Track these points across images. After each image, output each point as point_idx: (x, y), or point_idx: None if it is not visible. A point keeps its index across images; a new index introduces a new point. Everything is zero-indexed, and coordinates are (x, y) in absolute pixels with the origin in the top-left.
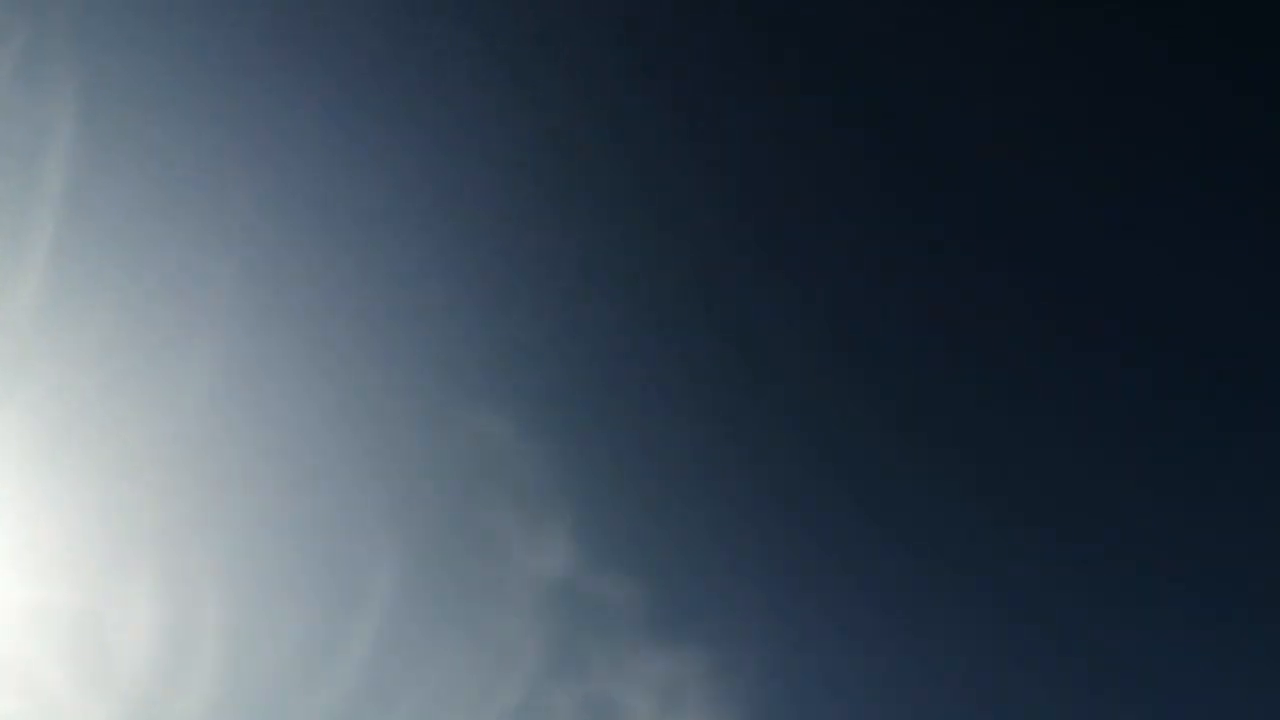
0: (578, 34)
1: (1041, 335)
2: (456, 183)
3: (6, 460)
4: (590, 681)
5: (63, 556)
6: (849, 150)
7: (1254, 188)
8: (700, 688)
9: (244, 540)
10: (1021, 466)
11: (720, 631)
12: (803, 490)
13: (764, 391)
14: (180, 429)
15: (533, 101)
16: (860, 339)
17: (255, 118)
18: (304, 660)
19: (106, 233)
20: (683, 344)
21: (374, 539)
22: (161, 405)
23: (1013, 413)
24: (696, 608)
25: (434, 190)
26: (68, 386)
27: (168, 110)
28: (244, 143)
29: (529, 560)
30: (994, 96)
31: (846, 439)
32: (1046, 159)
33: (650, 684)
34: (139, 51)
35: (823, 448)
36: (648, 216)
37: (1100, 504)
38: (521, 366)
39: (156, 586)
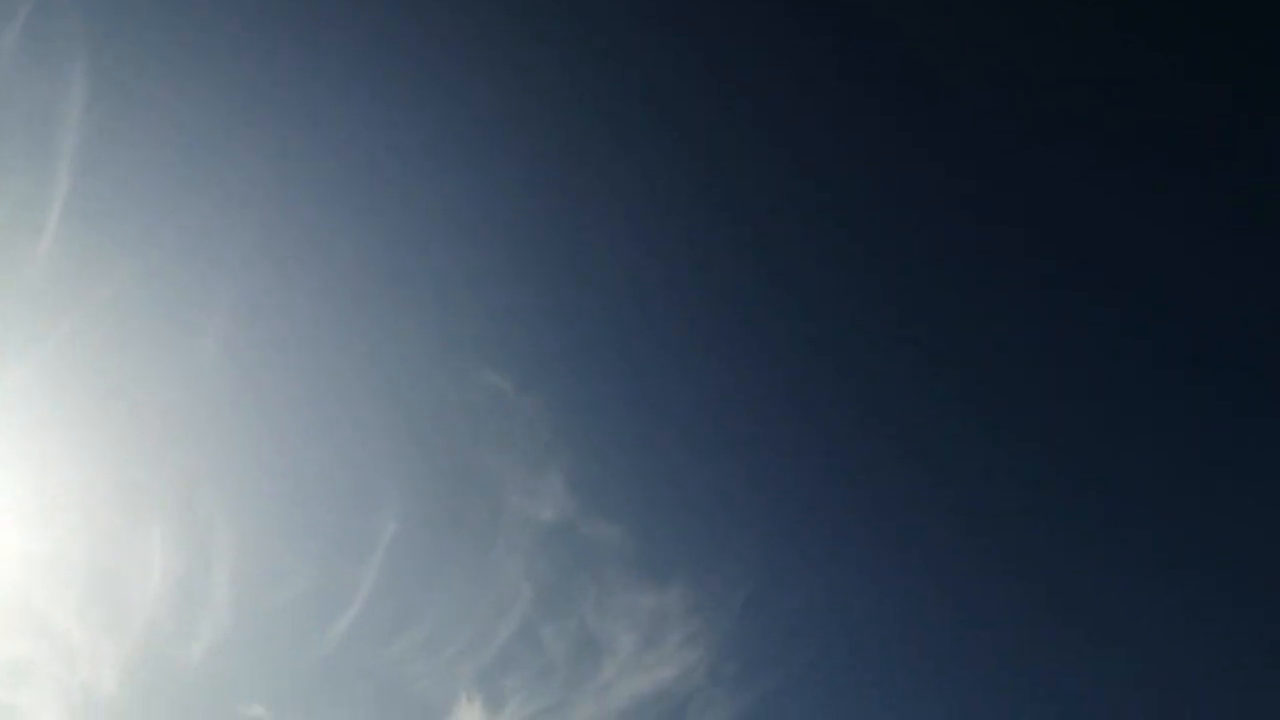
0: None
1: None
2: (464, 159)
3: (23, 415)
4: (579, 618)
5: (77, 507)
6: (845, 139)
7: (1256, 186)
8: (681, 624)
9: (253, 489)
10: (1013, 420)
11: (701, 573)
12: (780, 441)
13: (747, 350)
14: (191, 383)
15: (533, 84)
16: (844, 312)
17: (264, 91)
18: (311, 602)
19: (120, 194)
20: (670, 310)
21: (378, 487)
22: (173, 361)
23: (1006, 374)
24: (680, 550)
25: (444, 165)
26: (82, 343)
27: (177, 82)
28: (253, 115)
29: (524, 506)
30: (1009, 93)
31: (824, 394)
32: (1057, 151)
33: (635, 620)
34: (147, 24)
35: (801, 403)
36: (639, 192)
37: (1079, 441)
38: (521, 325)
39: (168, 535)
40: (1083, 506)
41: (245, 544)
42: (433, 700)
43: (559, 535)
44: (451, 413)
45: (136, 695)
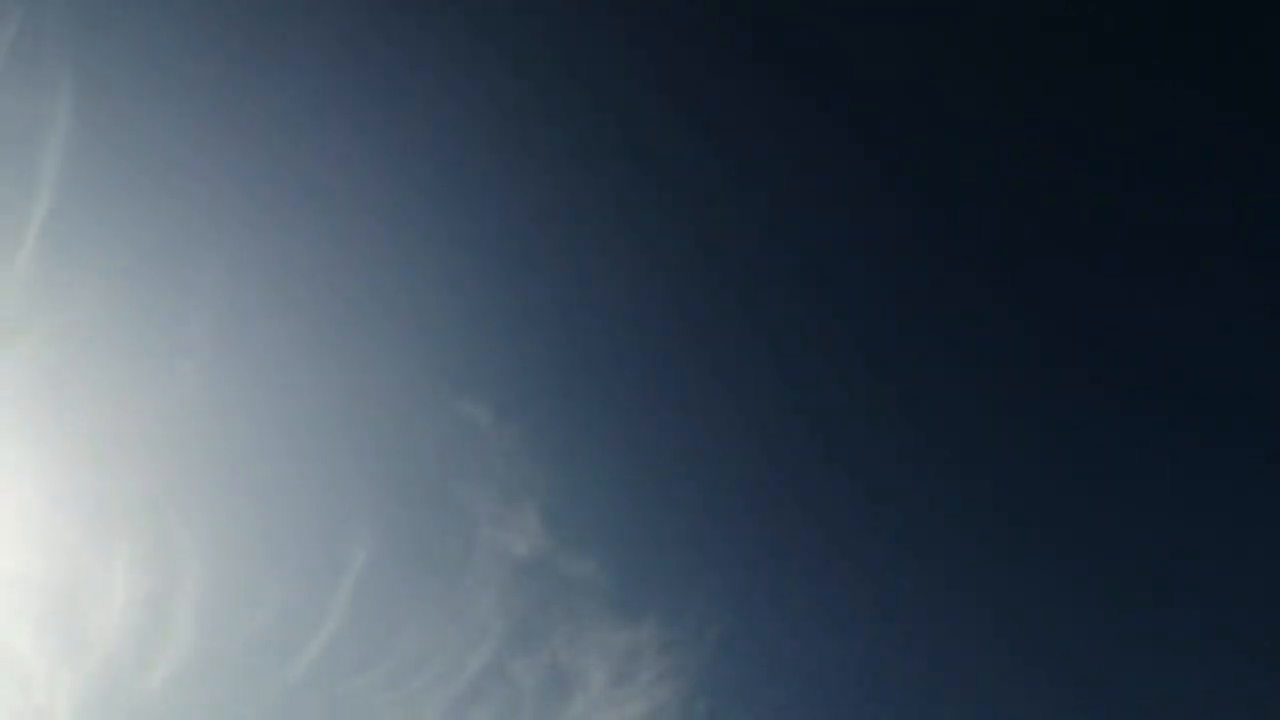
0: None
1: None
2: (442, 183)
3: None
4: (550, 653)
5: (39, 527)
6: (846, 155)
7: (1246, 201)
8: (654, 661)
9: (221, 515)
10: (971, 459)
11: (675, 610)
12: (756, 482)
13: (720, 393)
14: (162, 404)
15: (515, 103)
16: (818, 344)
17: (249, 104)
18: (278, 631)
19: (99, 215)
20: (646, 348)
21: (349, 515)
22: (145, 382)
23: (983, 411)
24: (651, 587)
25: (422, 189)
26: (54, 359)
27: (163, 93)
28: (237, 128)
29: (497, 538)
30: (1009, 117)
31: (797, 438)
32: (1054, 174)
33: (607, 656)
34: (134, 35)
35: (775, 446)
36: (623, 220)
37: (1050, 480)
38: (500, 354)
39: (132, 558)
40: (1065, 552)
41: (211, 570)
42: None
43: (532, 569)
44: (426, 441)
45: None
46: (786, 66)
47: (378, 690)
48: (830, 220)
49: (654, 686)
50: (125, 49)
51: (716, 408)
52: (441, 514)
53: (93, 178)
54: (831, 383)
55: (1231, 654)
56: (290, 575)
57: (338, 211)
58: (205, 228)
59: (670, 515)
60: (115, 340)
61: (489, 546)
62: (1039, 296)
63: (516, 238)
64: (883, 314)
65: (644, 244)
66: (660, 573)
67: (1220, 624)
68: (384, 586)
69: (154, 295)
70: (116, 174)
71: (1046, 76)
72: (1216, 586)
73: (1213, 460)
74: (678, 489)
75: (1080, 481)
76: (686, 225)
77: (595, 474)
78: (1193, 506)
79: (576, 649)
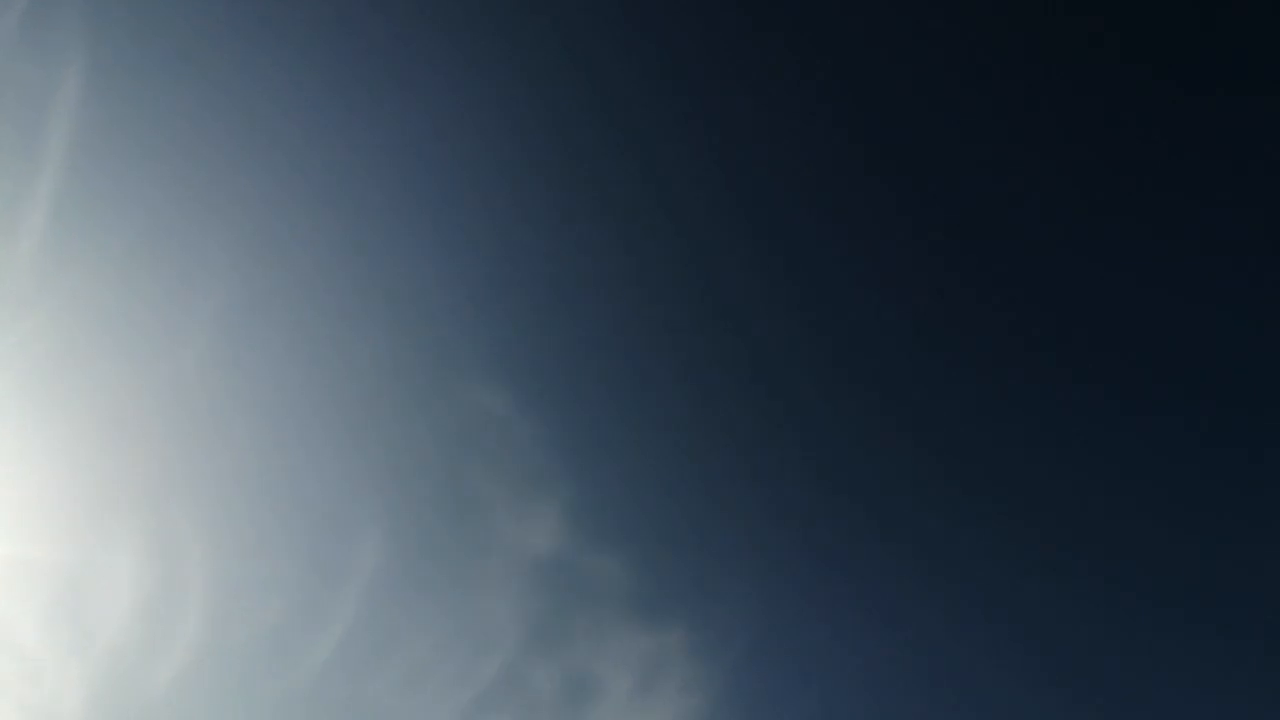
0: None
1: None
2: (456, 169)
3: None
4: (571, 657)
5: (47, 515)
6: (853, 155)
7: (1246, 202)
8: (679, 668)
9: (231, 509)
10: (998, 466)
11: (703, 614)
12: (785, 481)
13: (755, 383)
14: (171, 394)
15: (531, 91)
16: (851, 338)
17: (262, 84)
18: (286, 629)
19: (107, 193)
20: (675, 333)
21: (363, 510)
22: (153, 371)
23: (995, 418)
24: (678, 589)
25: (441, 173)
26: (60, 346)
27: (175, 71)
28: (250, 109)
29: (517, 535)
30: (1007, 114)
31: (831, 434)
32: (1053, 175)
33: (630, 662)
34: (147, 9)
35: (808, 442)
36: (643, 208)
37: (1065, 491)
38: (519, 342)
39: (140, 550)
40: (1089, 569)
41: (219, 564)
42: None
43: (552, 568)
44: (442, 434)
45: (100, 718)
46: (792, 61)
47: (388, 694)
48: (861, 217)
49: (680, 695)
50: (137, 24)
51: (748, 400)
52: (457, 509)
53: (101, 155)
54: (875, 380)
55: (1233, 654)
56: (299, 571)
57: (353, 195)
58: (216, 209)
59: (699, 513)
60: (123, 325)
61: (507, 544)
62: (1040, 296)
63: (535, 218)
64: (925, 313)
65: (671, 234)
66: (688, 573)
67: (1224, 624)
68: (396, 585)
69: (162, 278)
70: (125, 152)
71: (1047, 74)
72: (1220, 586)
73: (1215, 460)
74: (707, 485)
75: (1111, 483)
76: (728, 212)
77: (620, 468)
78: (1200, 507)
79: (598, 654)
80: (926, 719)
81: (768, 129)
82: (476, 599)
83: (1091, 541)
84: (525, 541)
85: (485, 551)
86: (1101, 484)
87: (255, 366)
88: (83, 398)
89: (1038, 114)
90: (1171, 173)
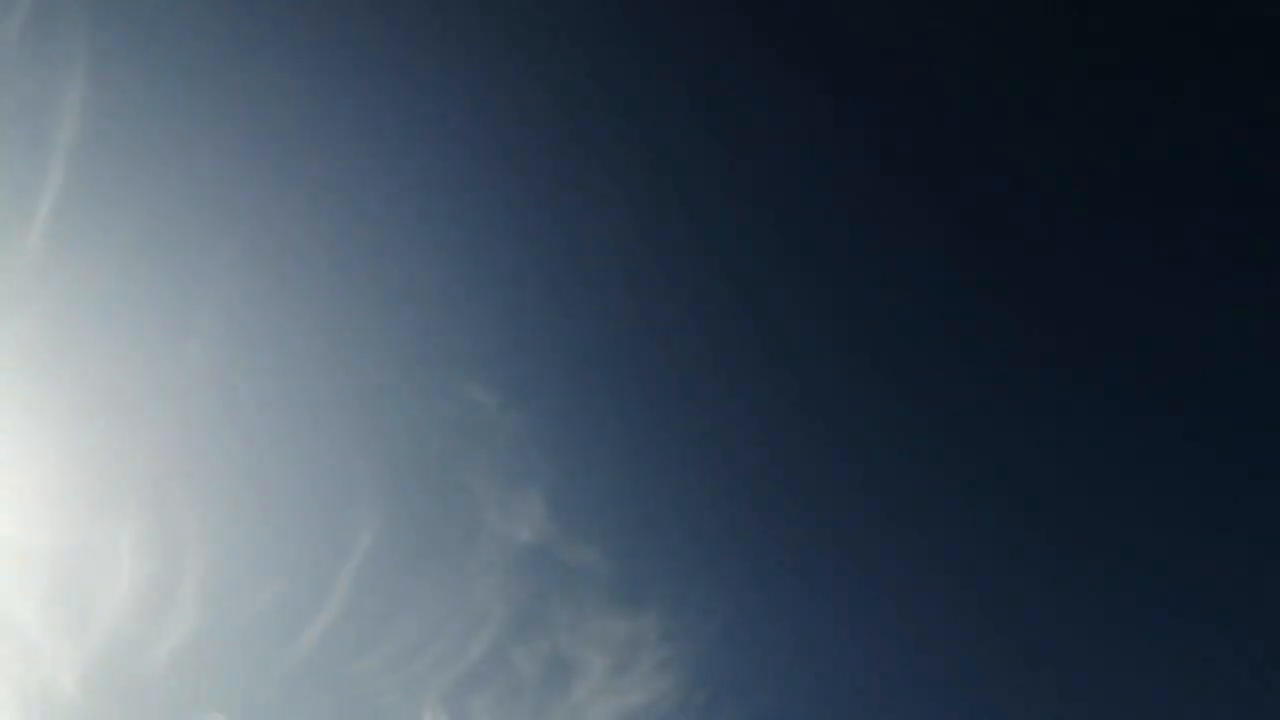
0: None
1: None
2: (450, 172)
3: (1, 407)
4: (552, 640)
5: (47, 500)
6: (858, 150)
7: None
8: (653, 650)
9: (228, 494)
10: (987, 459)
11: (677, 600)
12: (761, 473)
13: (727, 384)
14: (172, 383)
15: (524, 96)
16: (823, 336)
17: (263, 87)
18: (281, 611)
19: (110, 193)
20: (657, 331)
21: (355, 498)
22: (153, 362)
23: (987, 409)
24: (653, 577)
25: (432, 177)
26: (65, 338)
27: (177, 74)
28: (251, 112)
29: (502, 524)
30: (1023, 118)
31: (802, 432)
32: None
33: (607, 644)
34: (149, 14)
35: (777, 439)
36: (630, 209)
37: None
38: (509, 340)
39: (139, 535)
40: (1065, 555)
41: (217, 549)
42: (398, 717)
43: (535, 556)
44: (433, 426)
45: (97, 698)
46: (796, 59)
47: (378, 673)
48: (838, 219)
49: (654, 676)
50: (140, 29)
51: (722, 399)
52: (446, 499)
53: (105, 155)
54: (837, 377)
55: (1233, 654)
56: (294, 556)
57: (350, 197)
58: (216, 210)
59: (674, 505)
60: (124, 320)
61: (493, 532)
62: (1042, 296)
63: (526, 225)
64: (889, 312)
65: (654, 236)
66: (662, 562)
67: (1224, 624)
68: (387, 570)
69: (163, 275)
70: (128, 152)
71: (1052, 78)
72: (1220, 586)
73: (1216, 459)
74: (682, 479)
75: (1085, 482)
76: (698, 219)
77: (600, 463)
78: (1200, 508)
79: (577, 637)
80: (895, 703)
81: (767, 129)
82: (464, 585)
83: (1079, 532)
84: (510, 531)
85: (472, 540)
86: (1096, 479)
87: (252, 359)
88: (84, 387)
89: (1053, 116)
90: (1174, 175)
